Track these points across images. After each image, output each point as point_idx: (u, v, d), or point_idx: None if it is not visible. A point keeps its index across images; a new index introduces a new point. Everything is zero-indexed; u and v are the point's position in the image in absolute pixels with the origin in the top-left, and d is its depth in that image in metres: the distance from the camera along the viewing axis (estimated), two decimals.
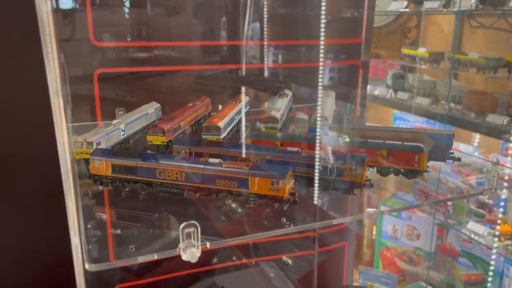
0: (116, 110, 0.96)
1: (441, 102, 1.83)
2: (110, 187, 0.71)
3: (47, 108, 0.52)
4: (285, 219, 1.35)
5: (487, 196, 0.72)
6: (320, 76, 0.92)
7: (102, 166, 0.70)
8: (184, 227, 0.52)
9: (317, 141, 0.80)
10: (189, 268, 1.21)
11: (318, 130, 0.83)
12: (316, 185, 0.73)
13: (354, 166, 0.74)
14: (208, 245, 0.54)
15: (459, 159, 0.91)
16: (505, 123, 1.60)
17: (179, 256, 1.25)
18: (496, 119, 1.64)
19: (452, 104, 1.76)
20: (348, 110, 1.69)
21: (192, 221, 0.52)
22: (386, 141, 0.84)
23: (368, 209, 0.87)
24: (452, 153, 0.89)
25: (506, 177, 1.85)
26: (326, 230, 1.29)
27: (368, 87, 2.26)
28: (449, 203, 1.88)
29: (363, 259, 2.43)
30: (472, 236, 1.77)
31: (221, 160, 0.69)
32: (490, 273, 1.97)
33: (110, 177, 0.70)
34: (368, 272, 2.22)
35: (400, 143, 0.83)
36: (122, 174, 0.70)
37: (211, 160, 0.69)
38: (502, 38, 1.82)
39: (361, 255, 2.42)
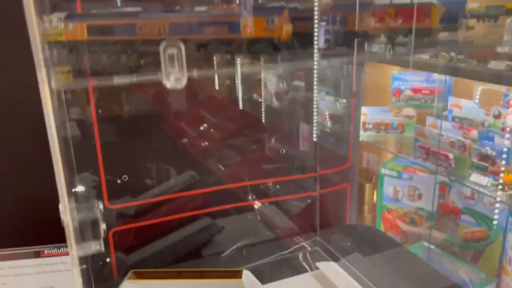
0: None
1: (441, 53, 1.79)
2: (87, 54, 0.64)
3: None
4: (284, 150, 1.32)
5: (507, 48, 0.67)
6: None
7: (76, 30, 0.63)
8: (165, 48, 0.46)
9: None
10: (187, 211, 1.18)
11: None
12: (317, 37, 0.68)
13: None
14: (195, 73, 0.49)
15: (472, 28, 0.85)
16: (507, 68, 1.57)
17: (176, 199, 1.21)
18: (498, 65, 1.61)
19: (452, 53, 1.72)
20: (344, 73, 1.65)
21: (174, 40, 0.46)
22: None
23: None
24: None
25: (508, 129, 1.82)
26: (327, 171, 1.25)
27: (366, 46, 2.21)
28: (451, 157, 1.85)
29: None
30: (476, 188, 1.74)
31: (209, 7, 0.63)
32: (494, 229, 1.94)
33: (87, 41, 0.63)
34: None
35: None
36: (99, 35, 0.63)
37: (198, 8, 0.63)
38: None
39: (363, 220, 2.40)
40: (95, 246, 0.39)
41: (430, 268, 1.14)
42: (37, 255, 0.87)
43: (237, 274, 0.89)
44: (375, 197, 2.38)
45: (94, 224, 0.39)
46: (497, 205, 1.93)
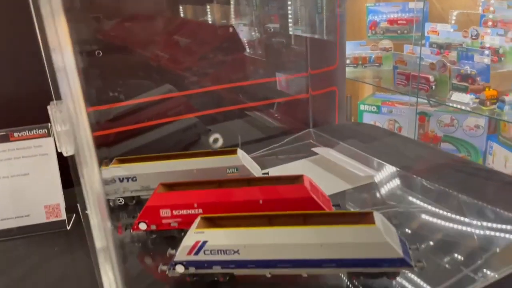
0: None
1: None
2: None
3: None
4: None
5: None
6: None
7: None
8: None
9: None
10: (168, 117, 1.09)
11: None
12: None
13: None
14: None
15: None
16: None
17: (156, 104, 1.12)
18: None
19: None
20: (319, 9, 1.58)
21: None
22: None
23: None
24: None
25: (487, 45, 1.82)
26: (317, 71, 1.20)
27: None
28: (432, 79, 1.83)
29: None
30: (458, 106, 1.74)
31: None
32: (474, 153, 1.96)
33: None
34: None
35: None
36: None
37: None
38: None
39: None
40: None
41: (434, 149, 1.10)
42: (6, 138, 0.77)
43: (232, 152, 0.82)
44: None
45: None
46: (476, 129, 1.95)
